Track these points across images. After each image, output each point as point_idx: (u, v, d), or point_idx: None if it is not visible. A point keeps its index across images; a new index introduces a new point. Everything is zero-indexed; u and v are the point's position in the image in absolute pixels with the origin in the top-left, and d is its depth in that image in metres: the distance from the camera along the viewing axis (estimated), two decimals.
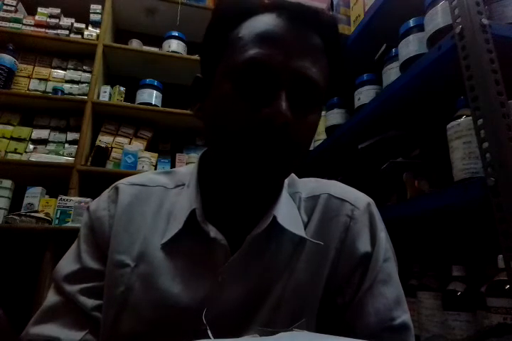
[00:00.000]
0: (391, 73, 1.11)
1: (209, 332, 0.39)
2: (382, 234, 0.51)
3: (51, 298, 0.47)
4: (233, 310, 0.44)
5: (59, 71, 1.89)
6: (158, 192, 0.51)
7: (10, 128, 1.72)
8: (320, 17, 0.43)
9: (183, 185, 0.51)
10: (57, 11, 1.88)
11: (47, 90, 1.83)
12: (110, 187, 0.53)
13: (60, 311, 0.46)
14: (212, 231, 0.45)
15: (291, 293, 0.45)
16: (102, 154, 1.74)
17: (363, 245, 0.48)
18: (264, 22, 0.41)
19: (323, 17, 0.44)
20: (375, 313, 0.46)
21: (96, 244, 0.49)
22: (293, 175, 0.56)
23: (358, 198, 0.53)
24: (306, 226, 0.49)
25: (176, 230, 0.46)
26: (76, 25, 1.88)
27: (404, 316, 0.47)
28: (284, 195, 0.50)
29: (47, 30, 1.84)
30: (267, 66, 0.40)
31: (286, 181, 0.53)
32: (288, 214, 0.48)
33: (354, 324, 0.46)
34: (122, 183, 0.52)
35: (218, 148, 0.44)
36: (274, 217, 0.46)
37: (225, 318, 0.43)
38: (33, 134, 1.75)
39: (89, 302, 0.46)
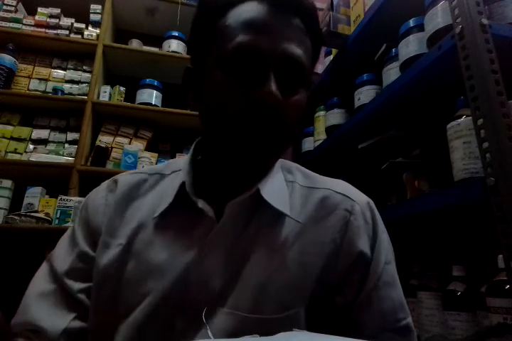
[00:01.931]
0: (391, 73, 1.11)
1: (209, 332, 0.39)
2: (384, 236, 0.51)
3: (41, 283, 0.48)
4: (212, 284, 0.44)
5: (59, 71, 1.89)
6: (155, 178, 0.54)
7: (10, 128, 1.72)
8: (299, 1, 0.46)
9: (179, 170, 0.54)
10: (57, 11, 1.88)
11: (47, 90, 1.83)
12: (110, 179, 0.56)
13: (49, 297, 0.47)
14: (200, 203, 0.46)
15: (280, 281, 0.45)
16: (102, 154, 1.74)
17: (364, 243, 0.48)
18: (249, 9, 0.44)
19: (302, 1, 0.46)
20: (381, 315, 0.46)
21: (89, 230, 0.51)
22: (296, 165, 0.57)
23: (360, 195, 0.53)
24: (298, 213, 0.49)
25: (167, 204, 0.48)
26: (76, 25, 1.88)
27: (408, 318, 0.48)
28: (278, 179, 0.52)
29: (47, 30, 1.83)
30: (254, 50, 0.42)
31: (287, 168, 0.55)
32: (276, 192, 0.49)
33: (358, 325, 0.46)
34: (121, 175, 0.56)
35: (213, 131, 0.46)
36: (258, 190, 0.47)
37: (203, 292, 0.44)
38: (33, 134, 1.75)
39: (76, 285, 0.47)
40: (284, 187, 0.51)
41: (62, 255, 0.50)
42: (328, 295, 0.47)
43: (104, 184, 0.55)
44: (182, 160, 0.56)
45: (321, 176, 0.57)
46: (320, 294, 0.46)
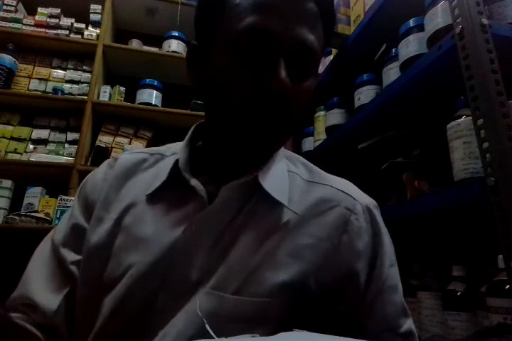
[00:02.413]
0: (391, 73, 1.11)
1: (210, 331, 0.39)
2: (387, 238, 0.50)
3: (40, 253, 0.50)
4: (196, 261, 0.43)
5: (59, 71, 1.89)
6: (154, 158, 0.54)
7: (10, 128, 1.72)
8: None
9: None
10: (57, 11, 1.88)
11: (47, 90, 1.83)
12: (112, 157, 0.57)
13: (46, 271, 0.47)
14: (193, 181, 0.46)
15: (265, 264, 0.43)
16: (102, 154, 1.74)
17: (365, 245, 0.47)
18: None
19: None
20: (384, 320, 0.45)
21: (85, 204, 0.52)
22: (299, 156, 0.56)
23: (362, 196, 0.52)
24: (296, 204, 0.47)
25: (160, 182, 0.48)
26: (76, 25, 1.88)
27: (409, 322, 0.47)
28: (280, 169, 0.50)
29: (47, 30, 1.83)
30: (266, 33, 0.40)
31: (290, 158, 0.54)
32: (275, 181, 0.48)
33: (362, 328, 0.45)
34: (125, 153, 0.57)
35: (217, 114, 0.45)
36: (256, 177, 0.46)
37: (186, 269, 0.43)
38: (33, 134, 1.75)
39: (71, 255, 0.48)
40: (285, 177, 0.50)
41: (60, 227, 0.51)
42: (326, 296, 0.44)
43: (106, 161, 0.56)
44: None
45: (325, 172, 0.55)
46: (313, 292, 0.44)
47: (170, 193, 0.48)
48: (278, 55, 0.40)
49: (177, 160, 0.48)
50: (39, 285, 0.46)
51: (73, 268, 0.47)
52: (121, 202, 0.49)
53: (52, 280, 0.47)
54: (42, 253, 0.50)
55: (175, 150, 0.54)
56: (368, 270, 0.46)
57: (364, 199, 0.51)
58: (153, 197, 0.48)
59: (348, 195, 0.50)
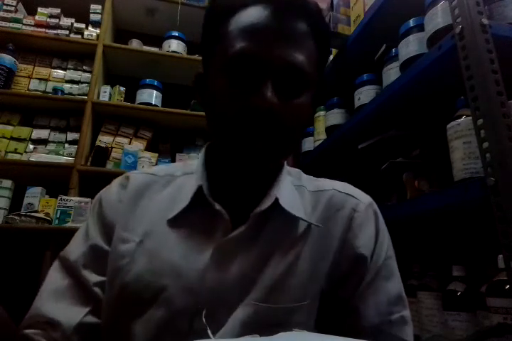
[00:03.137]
0: (391, 73, 1.11)
1: (209, 331, 0.39)
2: (385, 232, 0.54)
3: (55, 278, 0.49)
4: (230, 280, 0.45)
5: (59, 71, 1.89)
6: (165, 179, 0.55)
7: (10, 128, 1.72)
8: (303, 4, 0.47)
9: (191, 173, 0.54)
10: (57, 11, 1.88)
11: (47, 90, 1.83)
12: (122, 176, 0.57)
13: (63, 292, 0.47)
14: (217, 205, 0.47)
15: (293, 277, 0.46)
16: (102, 154, 1.74)
17: (366, 239, 0.50)
18: (249, 15, 0.45)
19: (306, 4, 0.47)
20: (376, 307, 0.48)
21: (103, 225, 0.51)
22: (300, 171, 0.60)
23: (362, 195, 0.56)
24: (310, 216, 0.51)
25: (183, 206, 0.49)
26: (76, 25, 1.88)
27: (404, 312, 0.49)
28: (289, 185, 0.53)
29: (47, 30, 1.83)
30: (252, 58, 0.43)
31: (292, 172, 0.57)
32: (290, 199, 0.51)
33: (355, 315, 0.47)
34: (133, 173, 0.57)
35: (217, 134, 0.48)
36: (277, 199, 0.48)
37: (223, 288, 0.44)
38: (33, 134, 1.75)
39: (93, 277, 0.48)
40: (294, 191, 0.53)
41: (77, 249, 0.50)
42: (334, 289, 0.48)
43: (117, 181, 0.56)
44: (194, 162, 0.57)
45: (324, 179, 0.59)
46: (327, 289, 0.48)
47: (191, 217, 0.49)
48: (265, 76, 0.43)
49: (200, 187, 0.49)
50: (58, 307, 0.46)
51: (96, 289, 0.47)
52: (140, 225, 0.49)
53: (72, 302, 0.47)
54: (57, 279, 0.49)
55: (186, 171, 0.56)
56: (366, 259, 0.49)
57: (365, 198, 0.55)
58: (175, 221, 0.49)
59: (351, 195, 0.54)
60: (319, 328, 0.47)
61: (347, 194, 0.54)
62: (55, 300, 0.47)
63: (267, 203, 0.48)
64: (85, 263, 0.49)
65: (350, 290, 0.48)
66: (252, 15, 0.44)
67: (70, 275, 0.49)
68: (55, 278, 0.49)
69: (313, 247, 0.49)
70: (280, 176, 0.52)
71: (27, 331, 0.45)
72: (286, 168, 0.56)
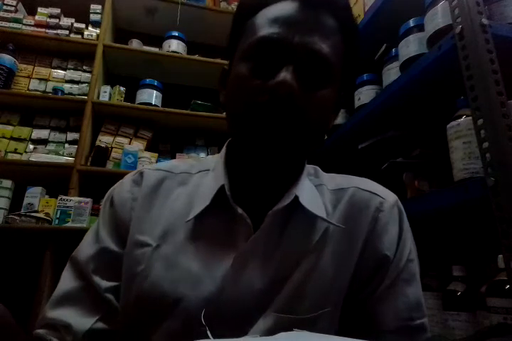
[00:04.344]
0: (391, 73, 1.11)
1: (208, 332, 0.39)
2: (409, 234, 0.51)
3: (67, 281, 0.47)
4: (252, 290, 0.43)
5: (59, 71, 1.89)
6: (181, 177, 0.52)
7: (10, 128, 1.72)
8: (331, 0, 0.45)
9: (207, 170, 0.52)
10: (57, 11, 1.88)
11: (47, 90, 1.83)
12: (134, 172, 0.54)
13: (75, 296, 0.46)
14: (239, 209, 0.45)
15: (315, 283, 0.44)
16: (102, 154, 1.74)
17: (390, 240, 0.48)
18: (277, 8, 0.44)
19: (336, 0, 0.46)
20: (394, 311, 0.46)
21: (116, 226, 0.49)
22: (318, 168, 0.57)
23: (387, 192, 0.53)
24: (331, 215, 0.49)
25: (203, 207, 0.46)
26: (76, 25, 1.88)
27: (424, 319, 0.47)
28: (308, 184, 0.51)
29: (47, 30, 1.83)
30: (274, 43, 0.42)
31: (311, 171, 0.54)
32: (311, 198, 0.48)
33: (372, 319, 0.46)
34: (147, 168, 0.53)
35: (234, 125, 0.46)
36: (296, 197, 0.46)
37: (243, 299, 0.43)
38: (33, 134, 1.75)
39: (103, 283, 0.46)
40: (315, 191, 0.51)
41: (87, 250, 0.48)
42: (356, 291, 0.47)
43: (129, 177, 0.53)
44: (210, 158, 0.56)
45: (343, 175, 0.56)
46: (351, 292, 0.46)
47: (211, 220, 0.46)
48: (286, 61, 0.41)
49: (222, 186, 0.46)
50: (69, 312, 0.45)
51: (108, 295, 0.46)
52: (156, 226, 0.47)
53: (83, 307, 0.45)
54: (68, 282, 0.47)
55: (200, 168, 0.53)
56: (388, 261, 0.48)
57: (389, 196, 0.52)
58: (194, 224, 0.46)
59: (375, 193, 0.51)
60: (339, 333, 0.46)
61: (370, 192, 0.51)
62: (67, 304, 0.45)
63: (286, 201, 0.45)
64: (95, 269, 0.47)
65: (370, 292, 0.46)
66: (280, 8, 0.44)
67: (81, 278, 0.47)
68: (67, 280, 0.48)
69: (335, 249, 0.46)
70: (301, 177, 0.49)
71: (39, 330, 0.44)
72: (307, 168, 0.53)
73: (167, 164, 0.55)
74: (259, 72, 0.42)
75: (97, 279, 0.46)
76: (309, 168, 0.55)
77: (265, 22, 0.43)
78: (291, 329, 0.41)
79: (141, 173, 0.52)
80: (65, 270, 0.49)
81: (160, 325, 0.43)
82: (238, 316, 0.42)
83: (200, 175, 0.52)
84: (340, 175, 0.56)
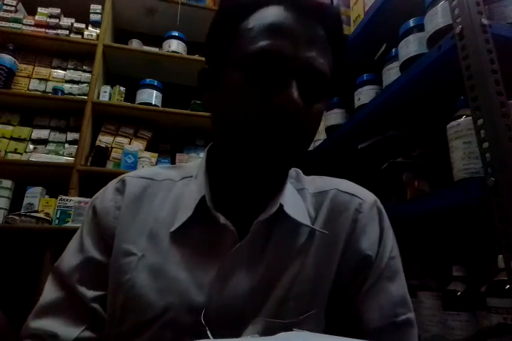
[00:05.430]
0: (391, 73, 1.11)
1: (208, 332, 0.39)
2: (390, 232, 0.52)
3: (50, 292, 0.47)
4: (239, 298, 0.43)
5: (59, 71, 1.89)
6: (165, 185, 0.52)
7: (10, 128, 1.72)
8: (323, 9, 0.46)
9: (190, 177, 0.52)
10: (57, 11, 1.88)
11: (47, 90, 1.83)
12: (117, 179, 0.53)
13: (60, 306, 0.45)
14: (222, 218, 0.45)
15: (300, 286, 0.45)
16: (102, 154, 1.74)
17: (370, 240, 0.49)
18: (273, 14, 0.44)
19: (326, 9, 0.46)
20: (379, 309, 0.46)
21: (100, 235, 0.48)
22: (299, 171, 0.57)
23: (366, 193, 0.54)
24: (314, 220, 0.50)
25: (186, 218, 0.46)
26: (76, 25, 1.88)
27: (409, 314, 0.48)
28: (290, 189, 0.51)
29: (47, 30, 1.83)
30: (277, 56, 0.41)
31: (292, 174, 0.55)
32: (294, 205, 0.49)
33: (357, 318, 0.46)
34: (129, 176, 0.52)
35: (228, 136, 0.45)
36: (281, 206, 0.46)
37: (231, 307, 0.43)
38: (33, 134, 1.75)
39: (89, 293, 0.45)
40: (297, 197, 0.51)
41: (71, 261, 0.47)
42: (340, 291, 0.47)
43: (111, 185, 0.52)
44: (192, 164, 0.55)
45: (323, 177, 0.57)
46: (335, 293, 0.47)
47: (195, 229, 0.46)
48: (290, 76, 0.41)
49: (203, 197, 0.47)
50: (55, 322, 0.44)
51: (94, 305, 0.45)
52: (141, 235, 0.47)
53: (68, 317, 0.45)
54: (51, 292, 0.47)
55: (184, 175, 0.53)
56: (370, 260, 0.48)
57: (369, 197, 0.53)
58: (178, 234, 0.46)
59: (354, 195, 0.52)
60: (326, 333, 0.46)
61: (350, 194, 0.52)
62: (51, 314, 0.45)
63: (271, 210, 0.46)
64: (80, 279, 0.46)
65: (354, 292, 0.47)
66: (275, 13, 0.43)
67: (65, 289, 0.46)
68: (50, 291, 0.47)
69: (318, 252, 0.47)
70: (285, 183, 0.50)
71: (27, 340, 0.44)
72: (290, 173, 0.54)
73: (149, 171, 0.54)
74: (258, 83, 0.42)
75: (82, 289, 0.45)
76: (291, 171, 0.55)
77: (262, 30, 0.43)
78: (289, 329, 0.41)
79: (123, 181, 0.51)
80: (48, 281, 0.48)
81: (147, 334, 0.42)
82: (227, 323, 0.42)
83: (184, 182, 0.52)
84: (320, 176, 0.57)
